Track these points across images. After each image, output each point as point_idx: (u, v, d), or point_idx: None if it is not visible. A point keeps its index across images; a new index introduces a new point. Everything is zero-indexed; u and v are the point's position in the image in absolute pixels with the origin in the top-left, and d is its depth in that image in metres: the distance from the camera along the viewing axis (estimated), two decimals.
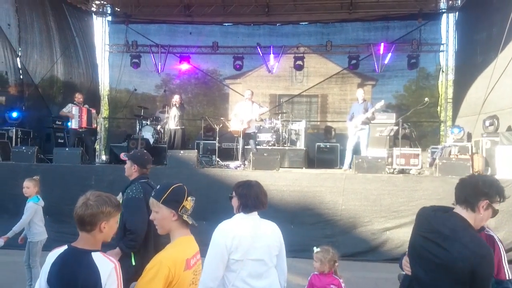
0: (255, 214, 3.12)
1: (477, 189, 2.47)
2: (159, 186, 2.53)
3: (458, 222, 2.48)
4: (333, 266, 4.04)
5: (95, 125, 11.71)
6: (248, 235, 2.99)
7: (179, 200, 2.44)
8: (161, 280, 2.24)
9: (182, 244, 2.45)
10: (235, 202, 3.15)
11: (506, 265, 2.84)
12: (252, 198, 3.09)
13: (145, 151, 4.47)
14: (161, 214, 2.44)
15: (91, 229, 2.32)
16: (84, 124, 10.73)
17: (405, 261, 2.73)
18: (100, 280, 2.25)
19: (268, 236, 3.09)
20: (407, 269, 2.69)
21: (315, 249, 4.04)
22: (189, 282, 2.44)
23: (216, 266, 2.90)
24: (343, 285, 4.00)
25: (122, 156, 4.32)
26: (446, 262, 2.40)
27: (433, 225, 2.54)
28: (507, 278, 2.82)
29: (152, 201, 2.47)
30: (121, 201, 5.86)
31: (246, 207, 3.08)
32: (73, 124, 10.68)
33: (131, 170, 4.07)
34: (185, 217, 2.44)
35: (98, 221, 2.31)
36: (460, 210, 2.53)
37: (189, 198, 2.47)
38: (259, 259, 3.00)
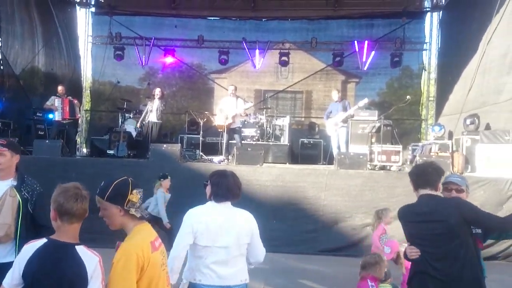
0: (227, 203, 3.15)
1: (439, 173, 3.24)
2: (103, 182, 2.42)
3: (430, 199, 3.15)
4: None
5: (79, 115, 11.56)
6: (216, 223, 3.05)
7: (123, 195, 2.36)
8: (133, 268, 2.23)
9: (140, 231, 2.42)
10: (208, 189, 3.21)
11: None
12: (224, 188, 3.13)
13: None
14: (109, 211, 2.37)
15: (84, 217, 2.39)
16: (67, 115, 10.71)
17: (409, 249, 3.14)
18: (87, 274, 2.25)
19: (238, 225, 3.12)
20: (415, 254, 3.09)
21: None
22: (160, 263, 2.45)
23: (183, 247, 3.03)
24: None
25: None
26: (443, 229, 3.01)
27: (415, 211, 3.20)
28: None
29: (97, 198, 2.39)
30: None
31: (216, 196, 3.14)
32: (56, 116, 10.64)
33: (11, 161, 3.50)
34: (132, 211, 2.37)
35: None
36: (425, 191, 3.18)
37: (134, 191, 2.39)
38: (226, 247, 3.04)
